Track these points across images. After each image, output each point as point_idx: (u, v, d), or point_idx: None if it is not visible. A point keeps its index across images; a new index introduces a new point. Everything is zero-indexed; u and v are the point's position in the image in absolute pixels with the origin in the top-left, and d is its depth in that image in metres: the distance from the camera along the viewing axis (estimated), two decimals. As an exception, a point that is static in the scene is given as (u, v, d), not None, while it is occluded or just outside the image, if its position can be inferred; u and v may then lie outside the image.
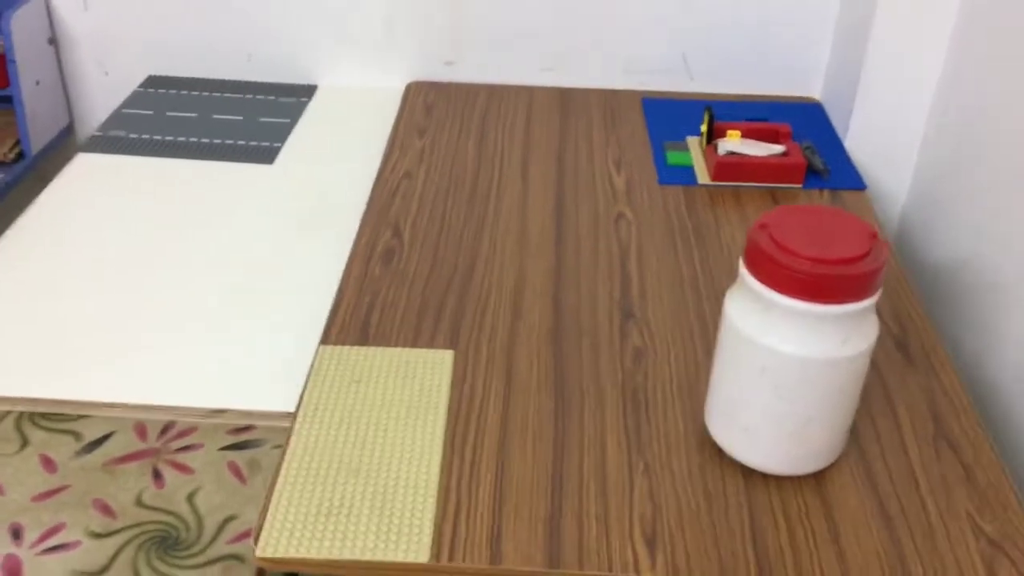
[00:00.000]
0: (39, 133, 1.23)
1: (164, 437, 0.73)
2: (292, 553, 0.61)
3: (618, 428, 0.71)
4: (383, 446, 0.69)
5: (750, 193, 1.03)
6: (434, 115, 1.18)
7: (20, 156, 1.21)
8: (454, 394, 0.74)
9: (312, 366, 0.76)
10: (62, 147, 1.30)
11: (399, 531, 0.62)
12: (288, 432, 0.70)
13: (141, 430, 0.74)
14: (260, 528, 0.62)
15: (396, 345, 0.79)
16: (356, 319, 0.82)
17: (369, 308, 0.83)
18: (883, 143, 1.12)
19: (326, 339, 0.80)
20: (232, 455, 0.72)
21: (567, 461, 0.68)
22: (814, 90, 1.26)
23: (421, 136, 1.13)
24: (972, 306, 0.94)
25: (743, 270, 0.63)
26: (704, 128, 1.09)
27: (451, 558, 0.61)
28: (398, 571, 0.61)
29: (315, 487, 0.65)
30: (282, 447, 0.73)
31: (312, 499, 0.64)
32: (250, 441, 0.74)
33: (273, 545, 0.61)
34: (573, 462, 0.68)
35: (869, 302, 0.61)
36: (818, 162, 1.06)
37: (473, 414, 0.72)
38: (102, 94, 1.31)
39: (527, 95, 1.23)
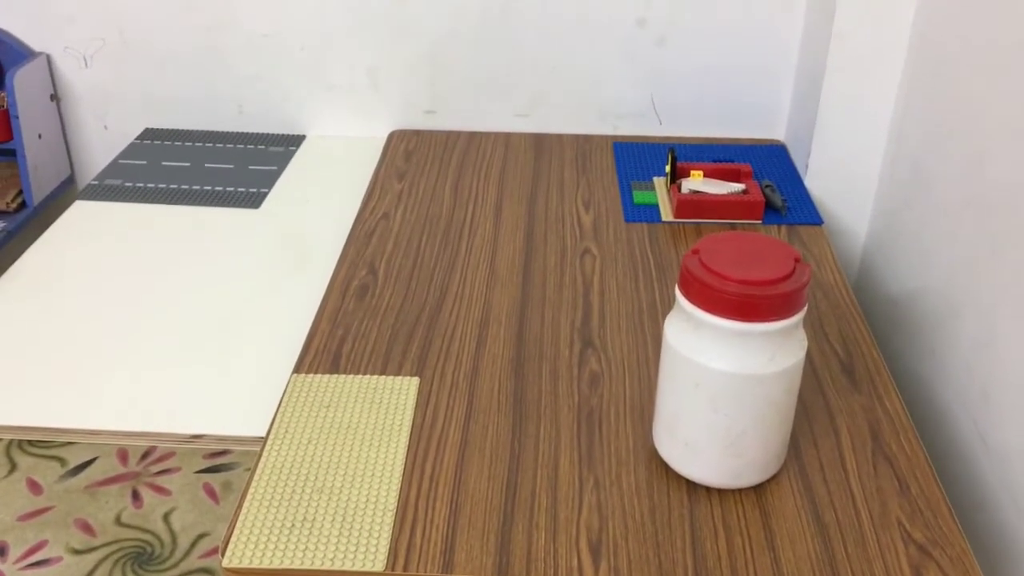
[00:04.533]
0: (41, 184, 1.29)
1: (144, 461, 0.78)
2: (256, 564, 0.65)
3: (571, 447, 0.75)
4: (347, 466, 0.73)
5: (711, 229, 1.08)
6: (413, 160, 1.24)
7: (23, 206, 1.27)
8: (417, 417, 0.78)
9: (284, 392, 0.81)
10: (63, 196, 1.36)
11: (358, 543, 0.66)
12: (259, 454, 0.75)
13: (123, 455, 0.78)
14: (227, 541, 0.66)
15: (365, 373, 0.84)
16: (328, 349, 0.87)
17: (342, 339, 0.88)
18: (841, 181, 1.17)
19: (299, 368, 0.84)
20: (207, 477, 0.76)
21: (521, 477, 0.72)
22: (778, 132, 1.32)
23: (400, 180, 1.18)
24: (923, 335, 0.98)
25: (678, 293, 0.68)
26: (668, 168, 1.14)
27: (405, 567, 0.65)
28: (356, 580, 0.65)
29: (281, 503, 0.69)
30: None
31: (278, 514, 0.68)
32: (225, 464, 0.78)
33: (239, 556, 0.65)
34: (527, 478, 0.72)
35: (793, 320, 0.65)
36: (777, 199, 1.11)
37: (435, 435, 0.77)
38: (101, 146, 1.37)
39: (503, 141, 1.29)
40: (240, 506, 0.69)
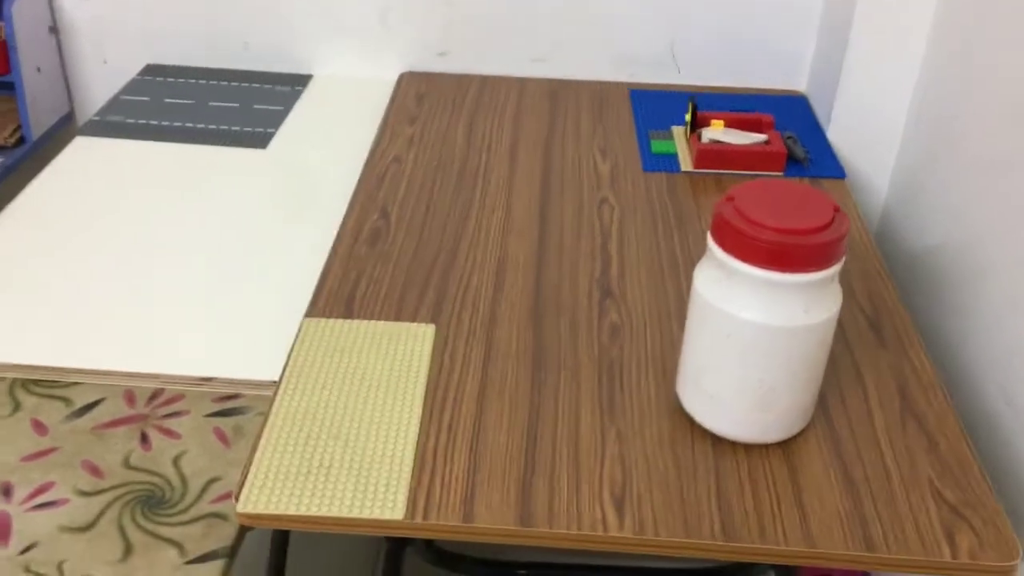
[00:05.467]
0: (40, 119, 1.26)
1: (152, 404, 0.76)
2: (271, 510, 0.63)
3: (592, 398, 0.73)
4: (363, 413, 0.71)
5: (731, 180, 1.05)
6: (425, 104, 1.20)
7: (21, 141, 1.23)
8: (434, 365, 0.76)
9: (297, 337, 0.78)
10: (62, 132, 1.32)
11: (375, 491, 0.64)
12: (271, 399, 0.73)
13: (130, 397, 0.76)
14: (241, 486, 0.64)
15: (379, 319, 0.81)
16: (341, 294, 0.84)
17: (355, 284, 0.86)
18: (865, 134, 1.14)
19: (311, 312, 0.82)
20: (217, 421, 0.74)
21: (542, 428, 0.70)
22: (799, 83, 1.28)
23: (411, 123, 1.15)
24: (950, 292, 0.96)
25: (709, 240, 0.65)
26: (688, 117, 1.11)
27: (425, 516, 0.63)
28: (373, 527, 0.63)
29: (296, 449, 0.67)
30: (264, 414, 0.75)
31: (292, 460, 0.66)
32: (235, 408, 0.76)
33: (253, 502, 0.63)
34: (547, 429, 0.70)
35: (830, 272, 0.63)
36: (799, 151, 1.08)
37: (452, 383, 0.75)
38: (101, 82, 1.33)
39: (518, 86, 1.25)
40: (254, 451, 0.67)
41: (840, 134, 1.15)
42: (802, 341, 0.64)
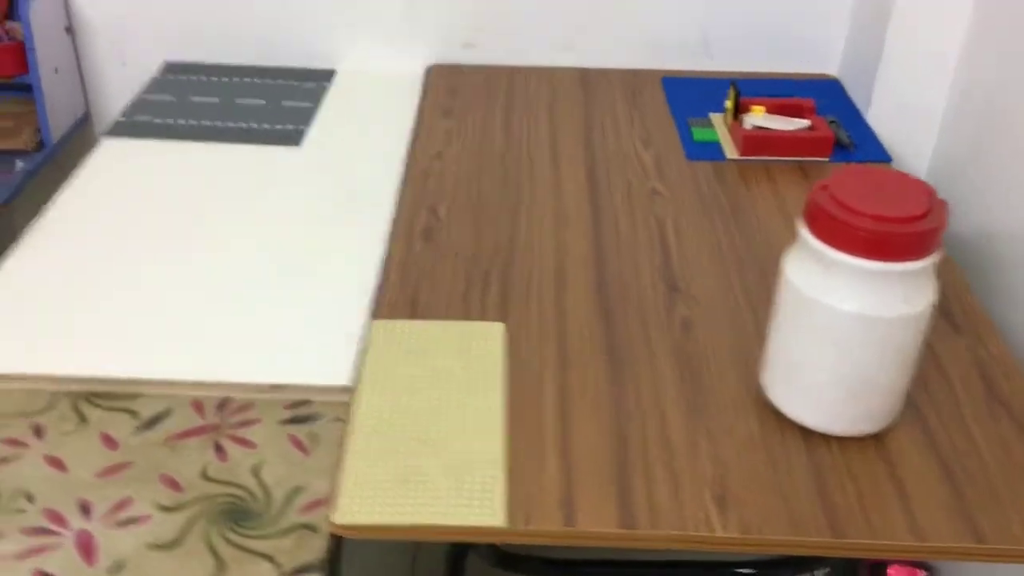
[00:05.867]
0: (58, 122, 1.22)
1: (222, 413, 0.74)
2: (368, 520, 0.61)
3: (675, 395, 0.72)
4: (447, 416, 0.69)
5: (778, 167, 1.04)
6: (458, 97, 1.18)
7: (40, 145, 1.20)
8: (509, 365, 0.75)
9: (367, 340, 0.76)
10: (79, 135, 1.29)
11: (472, 496, 0.63)
12: (349, 404, 0.71)
13: (198, 406, 0.74)
14: (335, 497, 0.63)
15: (447, 318, 0.80)
16: (404, 294, 0.82)
17: (416, 283, 0.84)
18: (904, 119, 1.13)
19: (377, 313, 0.80)
20: (292, 429, 0.72)
21: (629, 427, 0.69)
22: (830, 67, 1.27)
23: (447, 117, 1.13)
24: (992, 277, 0.95)
25: (803, 231, 0.64)
26: (729, 104, 1.10)
27: (526, 521, 0.62)
28: (474, 535, 0.62)
29: (384, 456, 0.66)
30: (342, 420, 0.73)
31: (383, 468, 0.65)
32: (308, 415, 0.74)
33: (350, 513, 0.61)
34: (635, 428, 0.69)
35: (929, 260, 0.62)
36: (843, 136, 1.07)
37: (531, 383, 0.73)
38: (118, 82, 1.30)
39: (548, 76, 1.24)
40: (343, 460, 0.65)
41: (879, 118, 1.14)
42: (901, 331, 0.63)
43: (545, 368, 0.75)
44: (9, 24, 1.21)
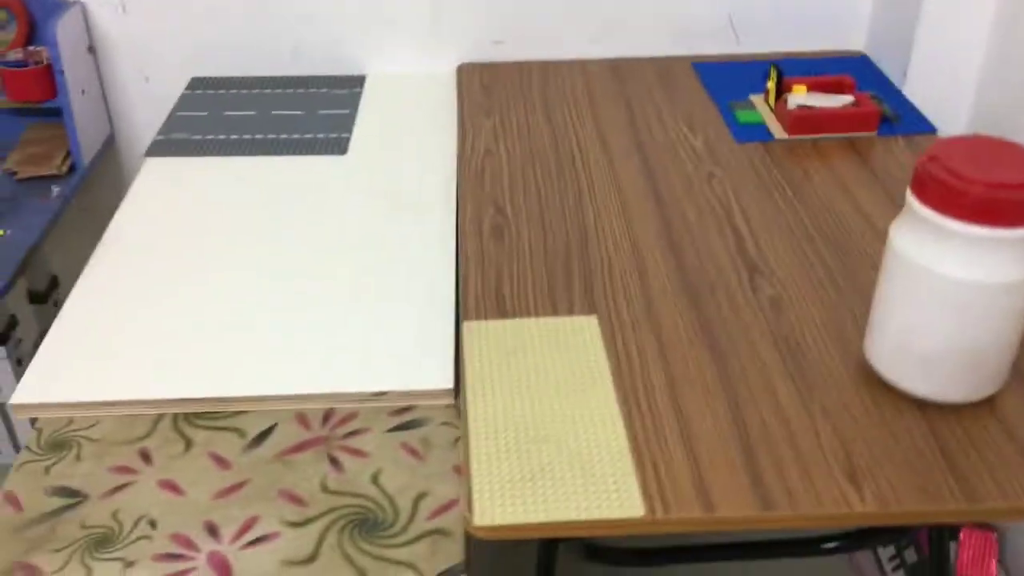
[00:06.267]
0: (88, 144, 1.20)
1: (328, 425, 0.73)
2: (507, 520, 0.61)
3: (782, 374, 0.72)
4: (560, 412, 0.69)
5: (827, 144, 1.04)
6: (494, 94, 1.18)
7: (71, 169, 1.18)
8: (610, 357, 0.75)
9: (462, 343, 0.76)
10: (108, 156, 1.27)
11: (606, 490, 0.63)
12: (456, 407, 0.70)
13: (303, 420, 0.73)
14: (469, 500, 0.62)
15: (537, 315, 0.79)
16: (489, 294, 0.82)
17: (497, 282, 0.83)
18: (940, 90, 1.15)
19: (467, 315, 0.80)
20: (402, 436, 0.72)
21: (744, 409, 0.69)
22: (856, 43, 1.29)
23: (488, 115, 1.13)
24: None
25: (915, 202, 0.65)
26: (771, 85, 1.10)
27: (666, 511, 0.62)
28: (613, 528, 0.62)
29: (508, 456, 0.65)
30: (449, 424, 0.73)
31: (510, 468, 0.64)
32: (415, 421, 0.73)
33: (488, 514, 0.61)
34: (751, 410, 0.69)
35: (1045, 224, 0.63)
36: (887, 109, 1.08)
37: (636, 373, 0.73)
38: (143, 100, 1.28)
39: (580, 68, 1.24)
40: (468, 463, 0.65)
41: (916, 91, 1.15)
42: (1018, 297, 0.64)
43: (646, 358, 0.75)
44: (31, 48, 1.19)
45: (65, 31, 1.14)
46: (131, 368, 0.77)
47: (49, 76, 1.16)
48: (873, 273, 0.83)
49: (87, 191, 1.26)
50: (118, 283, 0.87)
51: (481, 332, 0.77)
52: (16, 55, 1.17)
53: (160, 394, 0.74)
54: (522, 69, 1.24)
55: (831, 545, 0.96)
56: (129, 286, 0.86)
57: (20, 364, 1.15)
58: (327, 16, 1.24)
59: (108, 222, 0.96)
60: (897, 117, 1.08)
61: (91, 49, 1.23)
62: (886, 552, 1.20)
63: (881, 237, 0.88)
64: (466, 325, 0.78)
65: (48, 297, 1.29)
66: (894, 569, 1.19)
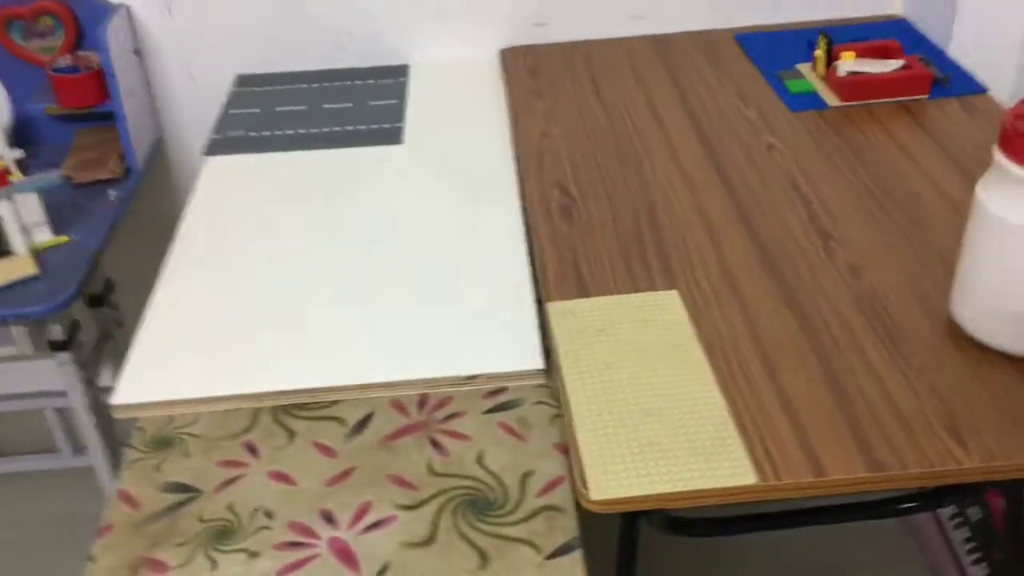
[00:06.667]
0: (140, 146, 1.21)
1: (424, 410, 0.74)
2: (623, 493, 0.62)
3: (871, 337, 0.73)
4: (656, 385, 0.70)
5: (881, 109, 1.05)
6: (541, 77, 1.18)
7: (126, 171, 1.19)
8: (698, 329, 0.76)
9: (547, 322, 0.77)
10: (159, 156, 1.28)
11: (714, 459, 0.64)
12: (550, 387, 0.72)
13: (399, 406, 0.74)
14: (583, 475, 0.63)
15: (618, 292, 0.80)
16: (566, 274, 0.83)
17: (574, 262, 0.84)
18: (987, 50, 1.15)
19: (548, 296, 0.80)
20: (499, 417, 0.73)
21: (839, 373, 0.70)
22: (894, 7, 1.29)
23: (539, 97, 1.13)
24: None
25: (1004, 160, 0.65)
26: (820, 53, 1.10)
27: (777, 476, 0.63)
28: (725, 496, 0.63)
29: (614, 431, 0.66)
30: (545, 403, 0.74)
31: (616, 442, 0.65)
32: (509, 402, 0.74)
33: (604, 488, 0.62)
34: (845, 374, 0.70)
35: None
36: (937, 72, 1.08)
37: (726, 344, 0.74)
38: (189, 99, 1.29)
39: (623, 46, 1.24)
40: (574, 440, 0.66)
41: (962, 52, 1.15)
42: (1110, 248, 0.65)
43: (733, 327, 0.76)
44: (80, 54, 1.20)
45: (114, 34, 1.15)
46: (225, 364, 0.78)
47: (99, 81, 1.17)
48: (945, 234, 0.84)
49: (154, 192, 1.27)
50: (198, 281, 0.88)
51: (566, 311, 0.78)
52: (66, 61, 1.18)
53: (256, 388, 0.76)
54: (565, 50, 1.24)
55: (908, 505, 0.97)
56: (209, 283, 0.88)
57: (84, 368, 1.16)
58: (367, 10, 1.24)
59: (159, 223, 0.97)
60: (947, 79, 1.08)
61: (137, 51, 1.24)
62: (947, 511, 1.22)
63: (948, 199, 0.89)
64: (550, 306, 0.79)
65: (104, 300, 1.30)
66: (956, 527, 1.20)
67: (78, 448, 1.36)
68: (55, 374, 1.11)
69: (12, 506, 1.38)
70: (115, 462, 1.18)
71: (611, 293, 0.80)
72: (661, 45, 1.24)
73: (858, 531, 1.31)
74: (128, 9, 1.21)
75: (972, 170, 0.93)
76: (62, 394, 1.14)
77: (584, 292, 0.81)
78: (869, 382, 0.69)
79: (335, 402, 0.75)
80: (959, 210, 0.87)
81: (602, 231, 0.88)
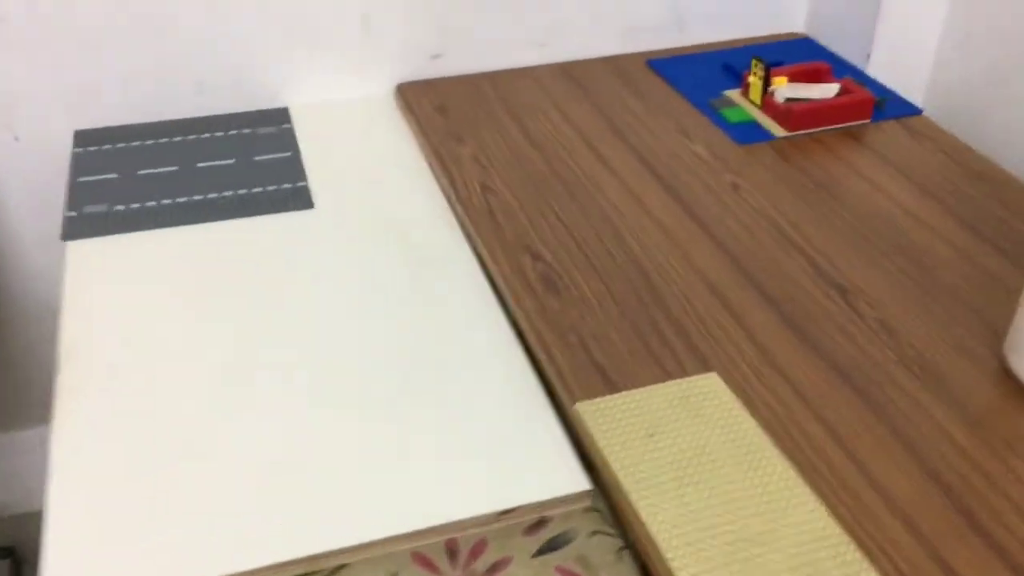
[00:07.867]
0: (-42, 228, 0.96)
1: (457, 562, 0.59)
2: (764, 656, 0.51)
3: (941, 407, 0.66)
4: (743, 499, 0.59)
5: (828, 137, 1.00)
6: (452, 115, 1.04)
7: (-57, 262, 0.94)
8: (757, 417, 0.66)
9: (589, 430, 0.64)
10: (-20, 240, 1.03)
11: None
12: (598, 509, 0.59)
13: (425, 562, 0.59)
14: (712, 639, 0.51)
15: (650, 383, 0.69)
16: (579, 364, 0.70)
17: (584, 348, 0.72)
18: (898, 69, 1.13)
19: (571, 395, 0.68)
20: (552, 559, 0.60)
21: (924, 455, 0.62)
22: (795, 25, 1.25)
23: (459, 141, 0.99)
24: None
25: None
26: (756, 79, 1.04)
27: (925, 602, 0.54)
28: (873, 636, 0.53)
29: (712, 560, 0.55)
30: (601, 532, 0.61)
31: (723, 572, 0.54)
32: (557, 537, 0.61)
33: (743, 654, 0.51)
34: (931, 455, 0.62)
35: None
36: (874, 95, 1.05)
37: (794, 432, 0.64)
38: (12, 161, 1.04)
39: (530, 76, 1.12)
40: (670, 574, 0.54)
41: (879, 71, 1.13)
42: None
43: (791, 411, 0.66)
44: None
45: (-85, 93, 0.90)
46: (165, 550, 0.59)
47: (-102, 151, 0.91)
48: (947, 271, 0.79)
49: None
50: (109, 430, 0.68)
51: (601, 415, 0.66)
52: None
53: (249, 564, 0.58)
54: (469, 83, 1.11)
55: None
56: (126, 433, 0.68)
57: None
58: (234, 41, 1.05)
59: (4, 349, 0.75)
60: (883, 102, 1.04)
61: (-59, 110, 0.98)
62: None
63: (935, 232, 0.84)
64: (580, 407, 0.66)
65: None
66: None
67: None
68: None
69: None
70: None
71: (641, 383, 0.69)
72: (571, 73, 1.13)
73: None
74: (-74, 57, 0.96)
75: (944, 198, 0.89)
76: None
77: (612, 387, 0.69)
78: (962, 464, 0.62)
79: (340, 567, 0.59)
80: (952, 244, 0.83)
81: (601, 304, 0.76)
